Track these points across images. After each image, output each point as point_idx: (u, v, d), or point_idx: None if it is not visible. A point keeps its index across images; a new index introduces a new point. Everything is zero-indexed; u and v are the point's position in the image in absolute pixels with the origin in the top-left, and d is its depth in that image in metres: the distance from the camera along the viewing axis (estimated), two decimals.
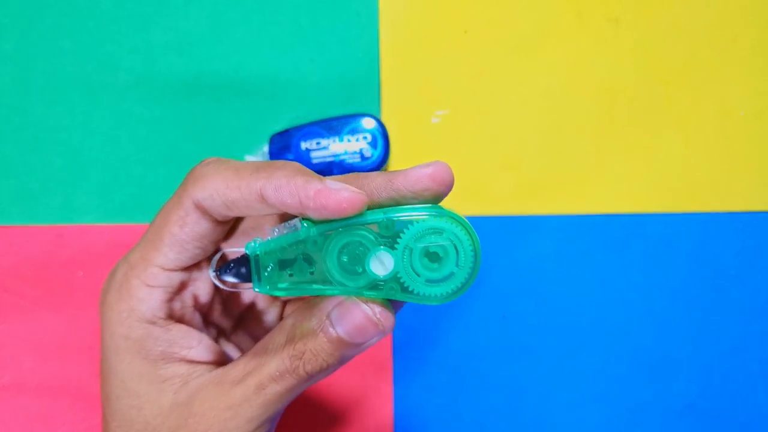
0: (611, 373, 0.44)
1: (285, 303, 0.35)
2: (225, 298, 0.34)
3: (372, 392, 0.44)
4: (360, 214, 0.26)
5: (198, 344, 0.30)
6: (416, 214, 0.26)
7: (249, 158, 0.44)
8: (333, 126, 0.44)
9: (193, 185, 0.27)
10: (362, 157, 0.43)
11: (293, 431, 0.43)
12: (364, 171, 0.43)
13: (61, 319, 0.44)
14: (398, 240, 0.26)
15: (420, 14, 0.46)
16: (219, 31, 0.46)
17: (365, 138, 0.43)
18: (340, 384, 0.44)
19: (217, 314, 0.33)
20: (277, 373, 0.27)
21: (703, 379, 0.44)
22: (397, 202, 0.26)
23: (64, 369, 0.43)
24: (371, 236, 0.26)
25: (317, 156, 0.43)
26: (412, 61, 0.46)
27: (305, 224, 0.26)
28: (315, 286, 0.26)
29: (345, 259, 0.26)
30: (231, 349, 0.34)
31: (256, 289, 0.27)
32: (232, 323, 0.35)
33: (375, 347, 0.44)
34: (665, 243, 0.45)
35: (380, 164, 0.44)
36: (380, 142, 0.44)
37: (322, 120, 0.44)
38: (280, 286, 0.27)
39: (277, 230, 0.27)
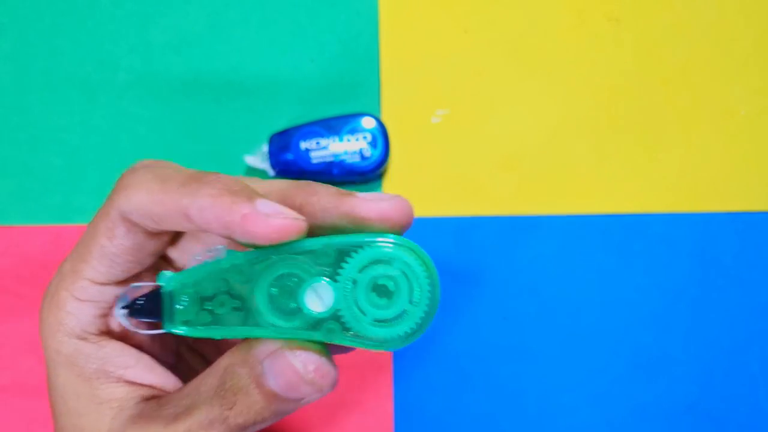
0: (612, 373, 0.44)
1: None
2: None
3: (372, 392, 0.44)
4: (296, 240, 0.22)
5: (136, 363, 0.27)
6: (362, 241, 0.22)
7: (248, 158, 0.44)
8: (333, 125, 0.43)
9: (118, 195, 0.24)
10: (362, 156, 0.43)
11: (293, 431, 0.43)
12: (364, 171, 0.43)
13: None
14: (339, 270, 0.22)
15: (420, 14, 0.46)
16: (218, 30, 0.46)
17: (365, 138, 0.43)
18: (340, 384, 0.44)
19: None
20: (207, 422, 0.24)
21: (703, 379, 0.44)
22: (341, 231, 0.23)
23: None
24: (308, 265, 0.22)
25: (317, 156, 0.43)
26: (412, 60, 0.46)
27: (229, 252, 0.23)
28: (241, 328, 0.23)
29: (275, 291, 0.22)
30: (194, 358, 0.31)
31: (167, 330, 0.23)
32: None
33: None
34: (665, 243, 0.45)
35: (380, 164, 0.43)
36: (380, 142, 0.43)
37: (321, 119, 0.44)
38: (199, 327, 0.23)
39: (200, 256, 0.23)
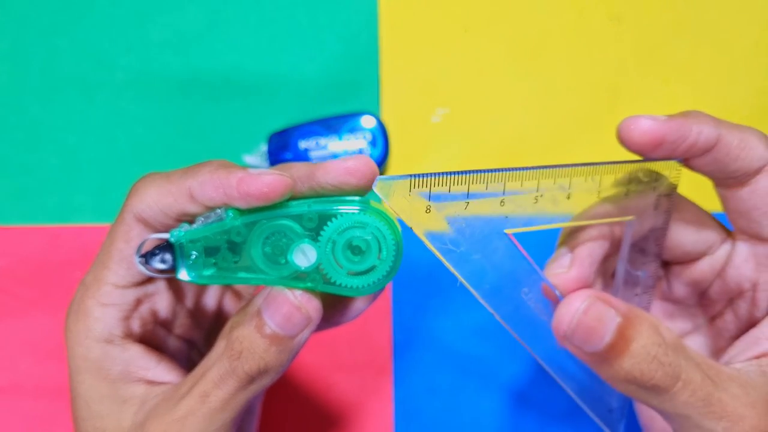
0: None
1: None
2: (192, 311, 0.33)
3: (372, 393, 0.44)
4: (285, 205, 0.26)
5: (157, 365, 0.29)
6: (341, 207, 0.26)
7: (247, 158, 0.44)
8: (332, 125, 0.43)
9: (130, 199, 0.28)
10: None
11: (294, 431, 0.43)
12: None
13: (57, 320, 0.43)
14: (321, 232, 0.26)
15: (420, 13, 0.46)
16: (217, 29, 0.46)
17: (365, 137, 0.43)
18: (340, 385, 0.44)
19: (184, 328, 0.33)
20: (218, 378, 0.27)
21: None
22: (318, 194, 0.26)
23: (61, 370, 0.43)
24: (295, 228, 0.26)
25: (316, 155, 0.43)
26: (412, 59, 0.46)
27: (231, 214, 0.26)
28: (240, 274, 0.27)
29: (269, 250, 0.26)
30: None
31: (179, 277, 0.27)
32: (203, 334, 0.34)
33: (375, 348, 0.44)
34: None
35: (380, 163, 0.43)
36: (380, 141, 0.43)
37: (321, 119, 0.44)
38: (205, 273, 0.27)
39: (203, 218, 0.27)
